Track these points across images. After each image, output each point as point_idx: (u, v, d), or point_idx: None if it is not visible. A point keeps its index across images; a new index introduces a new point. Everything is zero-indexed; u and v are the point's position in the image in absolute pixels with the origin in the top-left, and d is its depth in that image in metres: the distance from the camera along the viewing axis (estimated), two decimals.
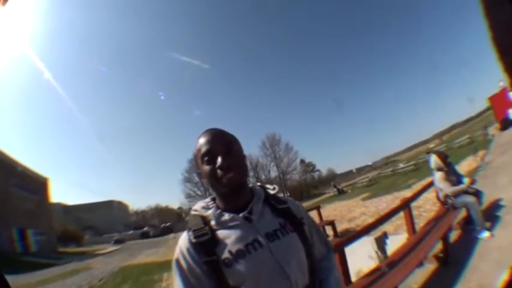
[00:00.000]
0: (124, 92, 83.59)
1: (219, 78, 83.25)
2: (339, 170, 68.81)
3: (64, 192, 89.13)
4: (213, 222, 1.25)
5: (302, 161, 64.12)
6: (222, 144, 1.27)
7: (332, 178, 59.32)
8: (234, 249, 1.17)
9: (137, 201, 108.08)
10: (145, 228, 51.40)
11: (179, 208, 63.90)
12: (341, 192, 36.05)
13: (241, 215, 1.25)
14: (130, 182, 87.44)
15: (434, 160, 5.69)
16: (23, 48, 49.31)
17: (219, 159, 1.22)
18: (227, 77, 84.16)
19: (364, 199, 20.10)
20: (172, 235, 41.99)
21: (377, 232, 5.48)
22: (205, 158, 1.25)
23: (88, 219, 49.98)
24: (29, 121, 67.89)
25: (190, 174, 58.77)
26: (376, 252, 5.07)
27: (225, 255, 1.17)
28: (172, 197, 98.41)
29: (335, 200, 28.66)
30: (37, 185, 33.58)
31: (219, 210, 1.28)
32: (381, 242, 5.17)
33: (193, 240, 1.20)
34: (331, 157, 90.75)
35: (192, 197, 59.31)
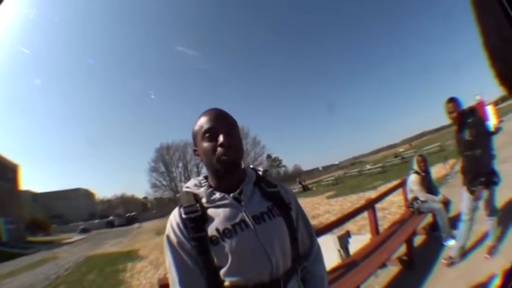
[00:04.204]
0: (96, 81, 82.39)
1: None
2: (305, 167, 69.66)
3: (32, 179, 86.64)
4: (204, 200, 1.27)
5: (269, 156, 64.74)
6: (225, 123, 1.29)
7: (298, 174, 59.98)
8: (221, 228, 1.19)
9: (103, 189, 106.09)
10: (110, 218, 51.08)
11: (144, 198, 63.52)
12: (306, 189, 36.54)
13: (231, 195, 1.27)
14: (97, 170, 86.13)
15: (416, 162, 5.57)
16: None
17: (221, 137, 1.23)
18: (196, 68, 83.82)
19: (329, 197, 20.36)
20: (136, 225, 42.10)
21: (340, 230, 5.54)
22: (207, 135, 1.26)
23: (55, 207, 49.24)
24: None
25: (156, 164, 58.42)
26: (339, 250, 5.14)
27: (213, 233, 1.18)
28: (138, 186, 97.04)
29: (299, 196, 28.55)
30: (8, 171, 32.59)
31: (210, 189, 1.29)
32: (343, 241, 5.21)
33: (184, 216, 1.22)
34: (298, 154, 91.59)
35: (157, 187, 59.09)
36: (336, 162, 69.75)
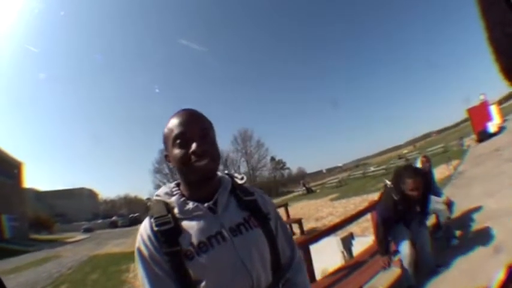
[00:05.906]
0: (103, 78, 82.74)
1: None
2: (309, 170, 69.91)
3: (36, 177, 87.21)
4: (176, 210, 1.17)
5: (272, 158, 64.99)
6: (199, 128, 1.17)
7: (302, 177, 59.96)
8: (196, 241, 1.11)
9: (107, 190, 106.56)
10: (114, 218, 51.34)
11: (148, 199, 63.78)
12: (310, 191, 36.41)
13: (206, 205, 1.17)
14: (101, 170, 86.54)
15: (421, 162, 5.50)
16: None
17: (194, 145, 1.12)
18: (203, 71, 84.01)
19: (332, 199, 20.32)
20: (139, 226, 42.08)
21: (344, 232, 5.52)
22: (178, 141, 1.15)
23: (59, 206, 49.55)
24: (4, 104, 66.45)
25: (160, 165, 58.66)
26: (342, 252, 5.13)
27: (187, 247, 1.10)
28: (141, 187, 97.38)
29: (303, 198, 29.05)
30: (12, 169, 32.80)
31: (183, 198, 1.19)
32: (347, 243, 5.22)
33: (155, 228, 1.13)
34: (302, 156, 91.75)
35: None
36: (340, 165, 70.10)
